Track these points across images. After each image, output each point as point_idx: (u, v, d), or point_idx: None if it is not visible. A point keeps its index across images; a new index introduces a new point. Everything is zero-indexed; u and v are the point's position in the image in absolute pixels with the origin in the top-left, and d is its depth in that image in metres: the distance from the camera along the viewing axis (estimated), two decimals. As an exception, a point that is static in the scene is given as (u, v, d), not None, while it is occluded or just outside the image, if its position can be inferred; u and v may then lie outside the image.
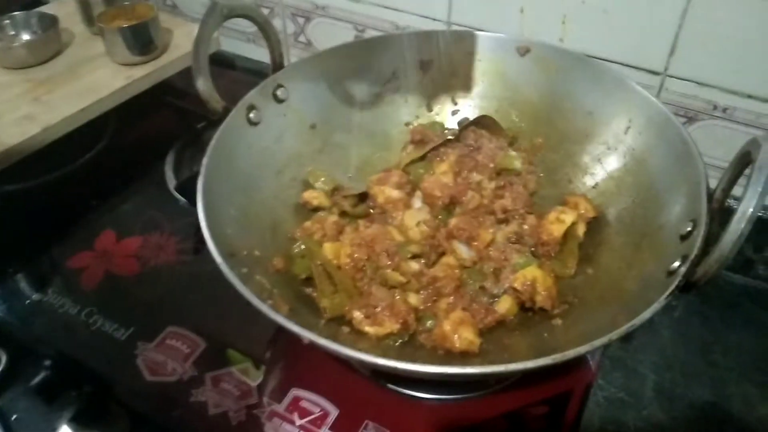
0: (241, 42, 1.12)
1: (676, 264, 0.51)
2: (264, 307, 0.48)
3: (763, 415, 0.68)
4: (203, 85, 0.64)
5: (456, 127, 0.80)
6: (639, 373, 0.72)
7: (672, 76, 0.79)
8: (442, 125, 0.80)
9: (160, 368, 0.66)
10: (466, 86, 0.79)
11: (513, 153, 0.74)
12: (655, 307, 0.47)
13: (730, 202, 0.53)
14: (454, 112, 0.81)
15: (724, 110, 0.79)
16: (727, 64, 0.75)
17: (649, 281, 0.54)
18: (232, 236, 0.59)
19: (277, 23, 1.05)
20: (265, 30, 0.71)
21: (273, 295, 0.56)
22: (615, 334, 0.46)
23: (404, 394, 0.64)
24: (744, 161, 0.51)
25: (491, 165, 0.73)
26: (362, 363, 0.46)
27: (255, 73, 1.05)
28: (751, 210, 0.45)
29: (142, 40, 0.95)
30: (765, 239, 0.82)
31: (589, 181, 0.72)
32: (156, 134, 1.01)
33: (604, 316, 0.55)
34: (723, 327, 0.78)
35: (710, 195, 0.55)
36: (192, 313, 0.72)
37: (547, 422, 0.64)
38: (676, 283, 0.49)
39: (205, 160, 0.60)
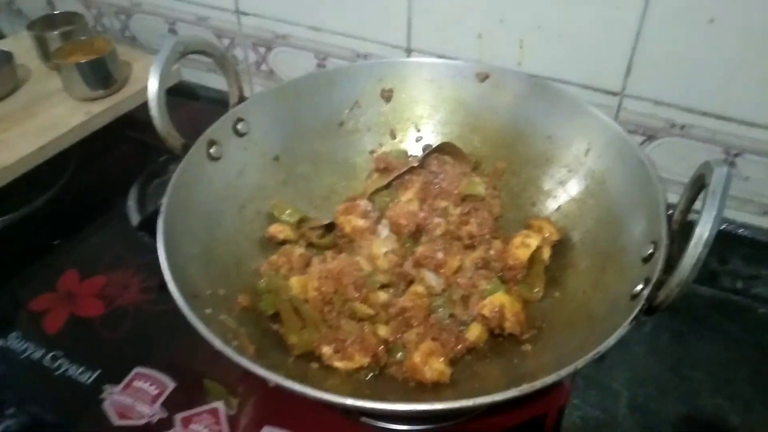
0: (202, 72, 1.11)
1: (639, 287, 0.52)
2: (228, 351, 0.47)
3: (735, 427, 0.69)
4: (160, 124, 0.63)
5: (420, 153, 0.80)
6: (613, 390, 0.73)
7: (629, 96, 0.81)
8: (405, 152, 0.80)
9: (128, 412, 0.65)
10: (428, 114, 0.80)
11: (476, 179, 0.74)
12: (620, 332, 0.48)
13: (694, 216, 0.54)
14: (417, 139, 0.82)
15: (682, 128, 0.80)
16: (682, 83, 0.77)
17: (615, 304, 0.55)
18: (194, 276, 0.58)
19: (238, 53, 1.05)
20: (223, 64, 0.71)
21: (239, 335, 0.55)
22: (581, 362, 0.46)
23: (379, 427, 0.63)
24: (698, 183, 0.52)
25: (456, 191, 0.73)
26: (330, 404, 0.45)
27: (218, 103, 1.04)
28: (706, 235, 0.45)
29: (101, 75, 0.94)
30: (729, 251, 0.84)
31: (552, 204, 0.73)
32: (118, 169, 0.99)
33: (573, 340, 0.55)
34: (693, 340, 0.79)
35: (670, 216, 0.56)
36: (159, 353, 0.71)
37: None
38: (639, 307, 0.49)
39: (165, 200, 0.59)
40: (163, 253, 0.54)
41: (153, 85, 0.63)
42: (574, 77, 0.82)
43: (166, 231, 0.56)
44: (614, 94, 0.81)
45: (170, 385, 0.67)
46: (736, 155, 0.79)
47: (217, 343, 0.48)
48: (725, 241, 0.83)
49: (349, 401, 0.45)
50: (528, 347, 0.60)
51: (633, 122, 0.82)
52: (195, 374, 0.67)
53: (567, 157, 0.72)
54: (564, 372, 0.46)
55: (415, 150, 0.81)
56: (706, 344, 0.79)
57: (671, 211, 0.57)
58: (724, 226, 0.85)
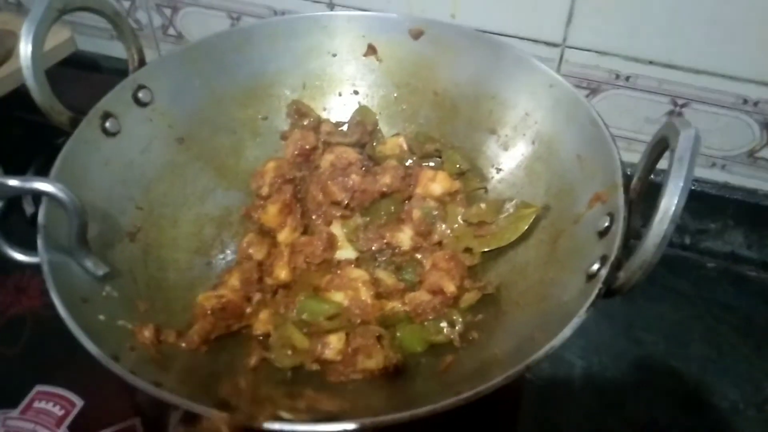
0: (102, 40, 0.99)
1: (596, 266, 0.46)
2: (119, 369, 0.40)
3: (692, 389, 0.67)
4: (40, 95, 0.53)
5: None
6: (566, 361, 0.70)
7: (571, 47, 0.76)
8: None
9: (29, 438, 0.55)
10: (362, 75, 0.72)
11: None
12: (576, 322, 0.42)
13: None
14: (359, 103, 0.74)
15: (627, 78, 0.76)
16: (626, 30, 0.73)
17: (569, 284, 0.49)
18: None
19: (141, 16, 0.94)
20: (116, 23, 0.61)
21: (140, 344, 0.47)
22: (533, 360, 0.41)
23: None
24: (660, 146, 0.46)
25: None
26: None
27: (123, 74, 0.93)
28: (673, 208, 0.39)
29: (-24, 47, 0.81)
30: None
31: (498, 171, 0.67)
32: (9, 156, 0.86)
33: (525, 325, 0.50)
34: (643, 301, 0.77)
35: (627, 183, 0.50)
36: (64, 367, 0.61)
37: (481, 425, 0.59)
38: (595, 292, 0.44)
39: (45, 180, 0.49)
40: (42, 248, 0.45)
41: (26, 50, 0.53)
42: (512, 29, 0.77)
43: (48, 223, 0.47)
44: (555, 45, 0.77)
45: (78, 403, 0.58)
46: (683, 105, 0.77)
47: (105, 360, 0.41)
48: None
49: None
50: (474, 335, 0.54)
51: (576, 75, 0.78)
52: (106, 389, 0.58)
53: (514, 119, 0.65)
54: (513, 372, 0.40)
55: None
56: (657, 304, 0.76)
57: (629, 176, 0.51)
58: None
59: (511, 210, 0.59)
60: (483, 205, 0.61)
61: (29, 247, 0.62)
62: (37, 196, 0.73)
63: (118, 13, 0.60)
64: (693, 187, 0.81)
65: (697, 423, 0.65)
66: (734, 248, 0.82)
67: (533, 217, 0.58)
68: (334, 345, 0.51)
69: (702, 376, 0.68)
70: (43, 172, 0.80)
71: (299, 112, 0.71)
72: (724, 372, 0.68)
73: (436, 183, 0.63)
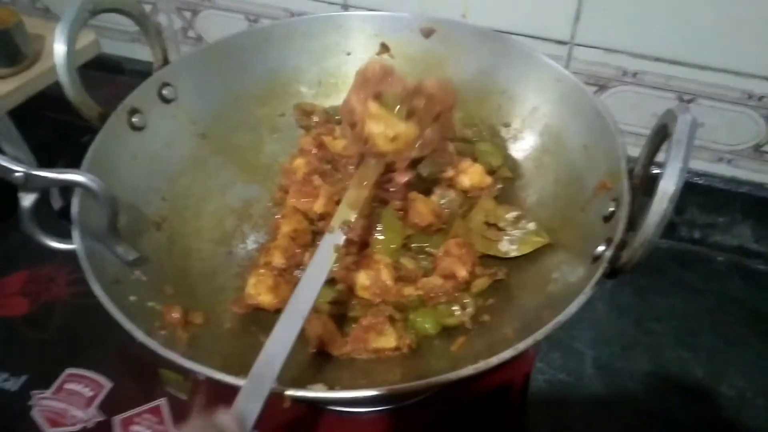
0: (124, 42, 1.02)
1: (601, 248, 0.48)
2: (152, 344, 0.42)
3: (701, 378, 0.68)
4: (72, 91, 0.56)
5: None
6: (577, 350, 0.71)
7: (579, 45, 0.78)
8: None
9: (61, 418, 0.59)
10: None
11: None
12: (581, 298, 0.44)
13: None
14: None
15: (634, 75, 0.78)
16: (633, 28, 0.74)
17: (575, 267, 0.51)
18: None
19: (162, 19, 0.97)
20: (143, 24, 0.63)
21: (169, 323, 0.49)
22: (540, 333, 0.43)
23: (336, 411, 0.59)
24: (661, 134, 0.48)
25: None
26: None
27: (146, 76, 0.96)
28: (672, 189, 0.41)
29: (7, 50, 0.85)
30: (685, 201, 0.82)
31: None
32: (36, 153, 0.89)
33: (532, 307, 0.52)
34: (654, 293, 0.78)
35: (630, 171, 0.52)
36: (93, 351, 0.64)
37: (492, 415, 0.61)
38: (600, 271, 0.46)
39: (78, 171, 0.52)
40: (77, 236, 0.48)
41: (60, 48, 0.55)
42: (521, 27, 0.79)
43: (81, 209, 0.50)
44: (563, 43, 0.78)
45: (106, 385, 0.61)
46: (690, 101, 0.78)
47: (139, 335, 0.42)
48: (682, 191, 0.82)
49: (290, 392, 0.41)
50: (486, 317, 0.56)
51: (584, 72, 0.79)
52: (133, 371, 0.61)
53: (522, 113, 0.68)
54: (522, 345, 0.43)
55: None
56: (667, 297, 0.78)
57: (632, 165, 0.53)
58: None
59: (526, 229, 0.60)
60: (508, 215, 0.62)
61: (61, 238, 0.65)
62: (66, 190, 0.76)
63: (144, 14, 0.63)
64: (700, 182, 0.82)
65: (706, 412, 0.66)
66: (742, 242, 0.83)
67: (537, 246, 0.59)
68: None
69: (711, 367, 0.70)
70: (69, 167, 0.85)
71: (305, 112, 0.73)
72: (733, 362, 0.70)
73: (466, 175, 0.64)
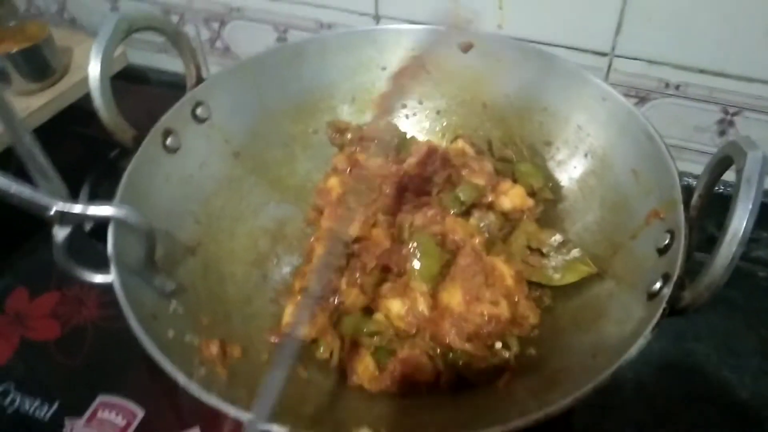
0: (152, 53, 1.01)
1: (658, 285, 0.46)
2: (192, 386, 0.41)
3: (745, 399, 0.66)
4: (107, 114, 0.55)
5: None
6: (616, 372, 0.69)
7: (620, 56, 0.75)
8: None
9: (95, 447, 0.57)
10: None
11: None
12: (641, 342, 0.42)
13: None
14: (406, 116, 0.75)
15: (677, 87, 0.75)
16: (676, 39, 0.71)
17: (629, 302, 0.49)
18: (154, 294, 0.50)
19: (189, 30, 0.95)
20: (177, 41, 0.62)
21: (207, 359, 0.48)
22: (598, 381, 0.41)
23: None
24: (723, 165, 0.46)
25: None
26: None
27: (173, 87, 0.94)
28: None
29: (37, 65, 0.84)
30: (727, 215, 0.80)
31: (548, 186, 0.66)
32: (65, 169, 0.88)
33: (583, 344, 0.50)
34: (693, 311, 0.75)
35: (687, 201, 0.49)
36: (125, 377, 0.62)
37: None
38: (660, 311, 0.43)
39: (115, 204, 0.51)
40: (114, 270, 0.46)
41: (95, 70, 0.54)
42: (559, 38, 0.76)
43: (117, 242, 0.48)
44: (603, 54, 0.76)
45: (139, 413, 0.59)
46: (735, 114, 0.75)
47: (181, 378, 0.41)
48: (723, 204, 0.79)
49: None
50: (532, 351, 0.54)
51: (624, 84, 0.77)
52: (165, 399, 0.60)
53: (565, 132, 0.65)
54: (580, 394, 0.40)
55: (405, 126, 0.74)
56: (707, 314, 0.75)
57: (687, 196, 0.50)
58: (720, 190, 0.81)
59: (571, 256, 0.58)
60: (552, 240, 0.60)
61: (93, 262, 0.64)
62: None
63: (178, 32, 0.61)
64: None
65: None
66: (781, 254, 0.81)
67: (584, 275, 0.57)
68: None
69: (755, 388, 0.67)
70: (97, 187, 0.84)
71: (338, 129, 0.72)
72: (780, 383, 0.67)
73: (507, 197, 0.62)
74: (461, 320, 0.53)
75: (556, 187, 0.65)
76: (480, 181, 0.63)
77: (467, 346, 0.53)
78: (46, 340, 0.67)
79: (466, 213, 0.62)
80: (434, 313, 0.55)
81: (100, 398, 0.61)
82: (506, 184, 0.63)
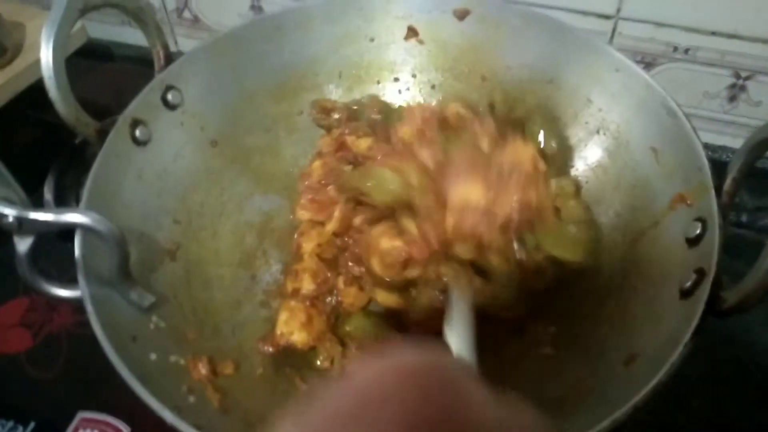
0: (115, 26, 0.93)
1: (691, 281, 0.42)
2: (177, 421, 0.36)
3: (760, 381, 0.63)
4: (64, 107, 0.48)
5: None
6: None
7: (626, 19, 0.70)
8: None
9: (78, 469, 0.53)
10: (403, 59, 0.67)
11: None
12: (681, 351, 0.38)
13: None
14: (399, 91, 0.69)
15: (686, 51, 0.71)
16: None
17: (658, 297, 0.45)
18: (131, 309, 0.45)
19: (154, 0, 0.87)
20: (140, 18, 0.55)
21: (197, 383, 0.43)
22: (639, 400, 0.37)
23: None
24: (761, 150, 0.42)
25: None
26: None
27: (141, 62, 0.86)
28: None
29: (-18, 44, 0.75)
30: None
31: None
32: (25, 160, 0.81)
33: (609, 343, 0.46)
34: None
35: (719, 186, 0.45)
36: (107, 390, 0.57)
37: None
38: (698, 313, 0.39)
39: (80, 210, 0.45)
40: (83, 282, 0.41)
41: (47, 57, 0.47)
42: (560, 0, 0.70)
43: (85, 252, 0.43)
44: (608, 17, 0.71)
45: (124, 430, 0.54)
46: (747, 78, 0.71)
47: (168, 416, 0.36)
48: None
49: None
50: (549, 350, 0.50)
51: (630, 49, 0.72)
52: (152, 413, 0.55)
53: (574, 106, 0.60)
54: (620, 414, 0.36)
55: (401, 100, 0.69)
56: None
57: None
58: (727, 157, 0.77)
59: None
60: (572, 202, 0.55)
61: (63, 267, 0.58)
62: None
63: (141, 7, 0.54)
64: (756, 164, 0.76)
65: (765, 417, 0.61)
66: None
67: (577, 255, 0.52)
68: None
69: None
70: (62, 177, 0.77)
71: (323, 109, 0.66)
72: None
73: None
74: (488, 214, 0.48)
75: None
76: (484, 143, 0.57)
77: (500, 240, 0.48)
78: (16, 353, 0.61)
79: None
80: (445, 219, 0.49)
81: (81, 415, 0.56)
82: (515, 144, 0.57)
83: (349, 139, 0.62)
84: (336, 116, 0.65)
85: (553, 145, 0.59)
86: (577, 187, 0.58)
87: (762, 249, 0.38)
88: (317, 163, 0.61)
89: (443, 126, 0.57)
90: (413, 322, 0.51)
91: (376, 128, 0.62)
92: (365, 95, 0.67)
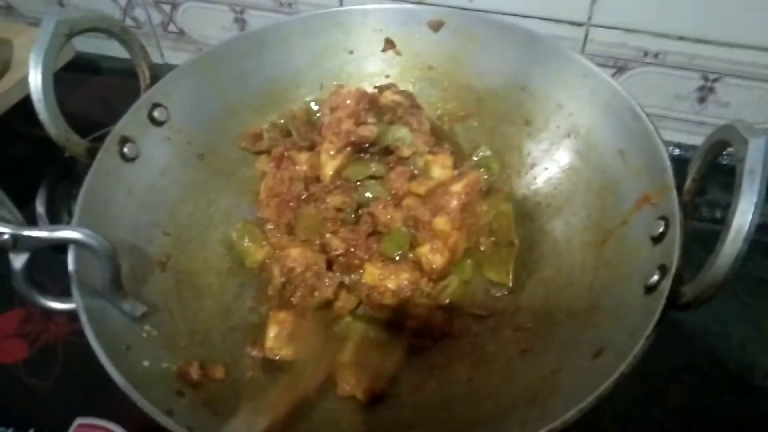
0: (101, 40, 0.94)
1: (655, 277, 0.44)
2: (166, 422, 0.39)
3: (732, 370, 0.65)
4: (54, 128, 0.50)
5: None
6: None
7: (596, 26, 0.73)
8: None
9: (76, 475, 0.55)
10: (381, 70, 0.69)
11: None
12: (643, 343, 0.40)
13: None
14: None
15: (656, 55, 0.73)
16: (655, 6, 0.69)
17: (624, 294, 0.47)
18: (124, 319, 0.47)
19: (139, 14, 0.89)
20: (125, 41, 0.57)
21: (187, 389, 0.45)
22: (604, 389, 0.39)
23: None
24: (718, 149, 0.44)
25: None
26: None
27: (127, 75, 0.88)
28: (746, 227, 0.37)
29: (-28, 62, 0.77)
30: (707, 181, 0.78)
31: (530, 167, 0.64)
32: (16, 175, 0.83)
33: (578, 338, 0.48)
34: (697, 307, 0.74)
35: (680, 185, 0.47)
36: (103, 396, 0.59)
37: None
38: (660, 308, 0.41)
39: (73, 226, 0.47)
40: (77, 295, 0.43)
41: (35, 81, 0.49)
42: (533, 10, 0.73)
43: (79, 267, 0.45)
44: (579, 24, 0.73)
45: (122, 435, 0.57)
46: (715, 80, 0.73)
47: (160, 418, 0.39)
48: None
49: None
50: (524, 346, 0.52)
51: (601, 54, 0.75)
52: (148, 417, 0.57)
53: (545, 111, 0.62)
54: (585, 405, 0.39)
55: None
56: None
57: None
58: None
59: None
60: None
61: (58, 279, 0.60)
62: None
63: (126, 30, 0.56)
64: (723, 161, 0.78)
65: (739, 405, 0.64)
66: (766, 220, 0.80)
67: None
68: None
69: (742, 356, 0.67)
70: (54, 191, 0.79)
71: (254, 136, 0.66)
72: (765, 350, 0.67)
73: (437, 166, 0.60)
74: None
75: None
76: (418, 141, 0.61)
77: None
78: (13, 362, 0.63)
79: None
80: None
81: (79, 421, 0.58)
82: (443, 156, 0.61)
83: (293, 154, 0.63)
84: (268, 136, 0.66)
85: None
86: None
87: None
88: (264, 184, 0.62)
89: (376, 109, 0.61)
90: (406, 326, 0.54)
91: (310, 137, 0.64)
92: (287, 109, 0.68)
